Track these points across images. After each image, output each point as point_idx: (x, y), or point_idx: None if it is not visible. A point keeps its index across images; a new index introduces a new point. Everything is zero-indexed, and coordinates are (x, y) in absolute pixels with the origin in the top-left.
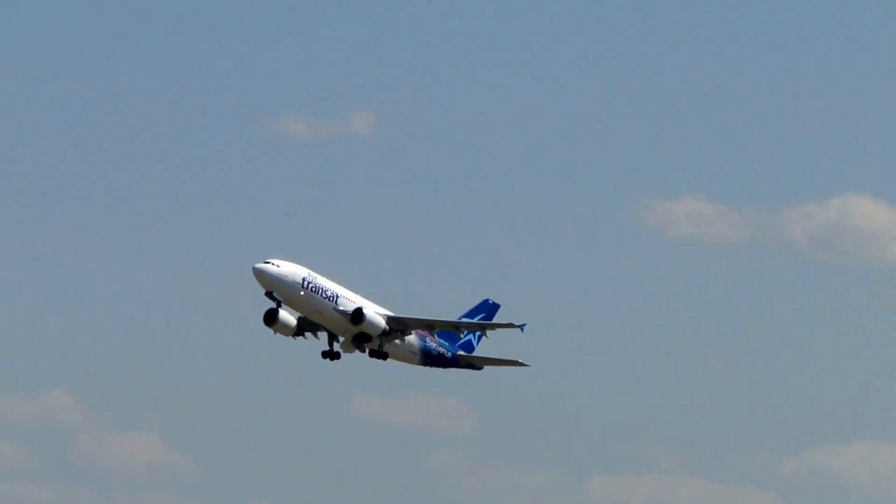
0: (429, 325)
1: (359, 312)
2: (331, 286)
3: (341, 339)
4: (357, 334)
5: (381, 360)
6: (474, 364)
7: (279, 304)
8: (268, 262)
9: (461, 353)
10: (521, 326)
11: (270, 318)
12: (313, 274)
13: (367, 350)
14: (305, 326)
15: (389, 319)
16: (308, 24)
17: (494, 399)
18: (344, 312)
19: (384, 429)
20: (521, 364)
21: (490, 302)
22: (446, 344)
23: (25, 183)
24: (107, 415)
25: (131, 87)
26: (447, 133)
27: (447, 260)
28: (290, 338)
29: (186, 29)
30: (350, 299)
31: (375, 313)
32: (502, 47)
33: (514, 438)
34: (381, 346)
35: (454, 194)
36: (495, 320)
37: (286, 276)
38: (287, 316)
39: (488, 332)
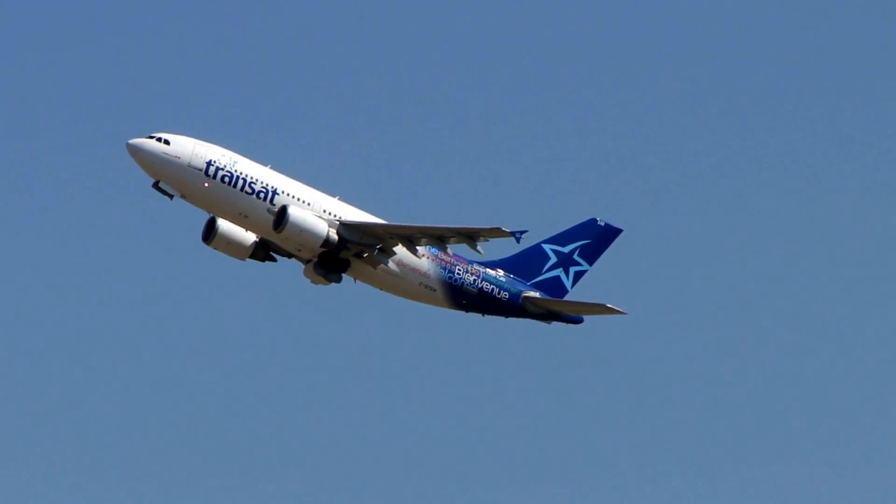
0: (407, 237)
1: (281, 213)
2: (264, 175)
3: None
4: (323, 254)
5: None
6: (557, 312)
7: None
8: (151, 138)
9: (531, 293)
10: (516, 234)
11: (209, 229)
12: (233, 156)
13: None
14: (271, 245)
15: (343, 227)
16: None
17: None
18: (274, 213)
19: None
20: (612, 310)
21: (601, 224)
22: (501, 279)
23: None
24: None
25: None
26: None
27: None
28: (248, 261)
29: None
30: (296, 195)
31: (313, 215)
32: None
33: None
34: (332, 257)
35: None
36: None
37: (179, 156)
38: (232, 227)
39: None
